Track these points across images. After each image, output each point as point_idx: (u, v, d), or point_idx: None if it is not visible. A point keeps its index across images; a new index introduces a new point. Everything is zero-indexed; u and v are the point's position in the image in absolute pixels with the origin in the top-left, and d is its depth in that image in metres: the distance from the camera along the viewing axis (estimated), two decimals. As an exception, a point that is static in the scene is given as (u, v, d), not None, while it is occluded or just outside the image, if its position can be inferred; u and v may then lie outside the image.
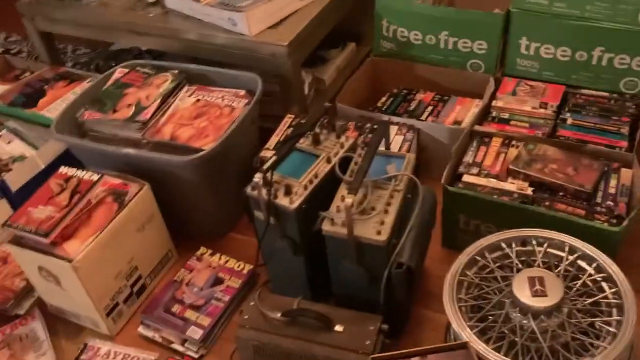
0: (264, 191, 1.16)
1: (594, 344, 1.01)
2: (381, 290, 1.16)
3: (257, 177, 1.15)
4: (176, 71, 1.65)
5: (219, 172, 1.43)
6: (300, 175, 1.21)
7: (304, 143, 1.28)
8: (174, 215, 1.50)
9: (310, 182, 1.19)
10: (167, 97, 1.59)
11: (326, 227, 1.14)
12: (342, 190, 1.19)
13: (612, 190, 1.31)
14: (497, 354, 1.00)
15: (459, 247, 1.23)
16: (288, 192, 1.17)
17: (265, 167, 1.17)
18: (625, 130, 1.46)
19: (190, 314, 1.35)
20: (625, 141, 1.43)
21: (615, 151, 1.40)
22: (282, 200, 1.17)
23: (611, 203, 1.29)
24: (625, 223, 1.21)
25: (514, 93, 1.60)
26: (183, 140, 1.47)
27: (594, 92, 1.58)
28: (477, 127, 1.52)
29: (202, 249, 1.51)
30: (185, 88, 1.62)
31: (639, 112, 1.51)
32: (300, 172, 1.21)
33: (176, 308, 1.37)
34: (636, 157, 1.35)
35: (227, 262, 1.48)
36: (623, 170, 1.35)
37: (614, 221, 1.25)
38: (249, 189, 1.20)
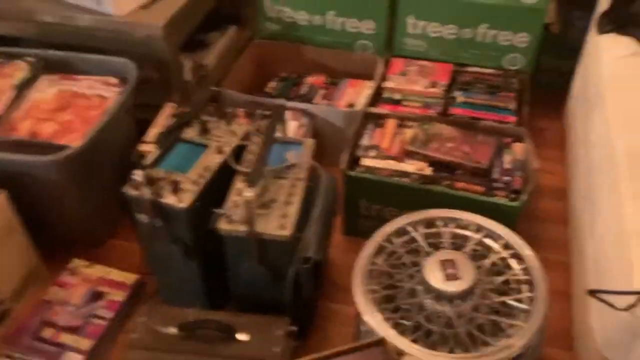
0: (146, 190, 1.01)
1: (507, 323, 0.99)
2: (287, 288, 1.07)
3: (138, 175, 1.00)
4: (32, 58, 1.42)
5: (91, 171, 1.25)
6: (188, 169, 1.07)
7: (190, 133, 1.15)
8: (40, 225, 1.29)
9: (201, 176, 1.06)
10: (22, 89, 1.36)
11: (223, 225, 1.02)
12: (239, 183, 1.07)
13: (507, 166, 1.31)
14: (417, 346, 0.95)
15: (361, 234, 1.17)
16: (175, 189, 1.03)
17: (146, 162, 1.02)
18: (512, 105, 1.48)
19: (66, 338, 1.17)
20: (513, 116, 1.45)
21: (507, 126, 1.40)
22: (169, 199, 1.03)
23: (508, 178, 1.29)
24: (523, 197, 1.21)
25: (404, 73, 1.56)
26: (45, 137, 1.26)
27: (480, 70, 1.59)
28: (370, 109, 1.46)
29: (76, 261, 1.32)
30: (44, 77, 1.40)
31: (522, 87, 1.54)
32: (188, 165, 1.08)
33: (48, 333, 1.18)
34: (526, 130, 1.36)
35: (107, 273, 1.30)
36: (516, 144, 1.36)
37: (513, 196, 1.25)
38: (128, 189, 1.04)
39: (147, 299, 1.26)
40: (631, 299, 0.79)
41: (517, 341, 0.94)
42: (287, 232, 1.00)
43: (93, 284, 1.28)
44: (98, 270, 1.30)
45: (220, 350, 0.99)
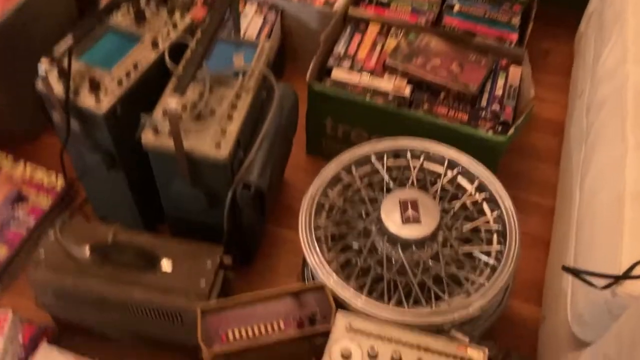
0: (57, 86, 0.84)
1: (469, 278, 0.86)
2: (224, 216, 0.93)
3: (46, 65, 0.82)
4: None
5: (13, 54, 1.07)
6: (112, 64, 0.89)
7: (121, 20, 0.95)
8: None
9: (128, 75, 0.89)
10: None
11: (147, 138, 0.85)
12: (171, 87, 0.89)
13: (499, 92, 1.14)
14: (359, 294, 0.82)
15: (325, 155, 1.02)
16: (95, 87, 0.86)
17: (59, 50, 0.84)
18: (516, 20, 1.27)
19: (-21, 244, 1.04)
20: (515, 33, 1.24)
21: (505, 46, 1.21)
22: (86, 100, 0.86)
23: (497, 107, 1.11)
24: (511, 132, 1.05)
25: (397, -30, 1.34)
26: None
27: (485, -26, 1.36)
28: (351, 11, 1.25)
29: (0, 155, 1.17)
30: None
31: (531, 1, 1.32)
32: (114, 60, 0.90)
33: (-41, 237, 1.05)
34: (527, 52, 1.17)
35: (34, 174, 1.15)
36: (512, 68, 1.17)
37: (499, 129, 1.08)
38: (38, 83, 0.86)
39: (74, 209, 1.12)
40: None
41: (476, 301, 0.81)
42: (223, 152, 0.84)
43: (17, 184, 1.13)
44: (24, 169, 1.15)
45: (137, 278, 0.87)
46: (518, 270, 0.89)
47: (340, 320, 0.71)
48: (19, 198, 1.12)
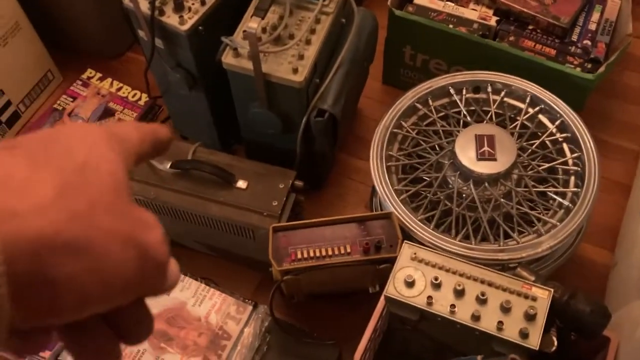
0: (144, 4, 0.86)
1: (541, 219, 0.85)
2: (298, 141, 0.94)
3: (134, -16, 0.84)
4: None
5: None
6: (197, -16, 0.90)
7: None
8: (51, 27, 1.18)
9: (211, -6, 0.89)
10: None
11: (228, 59, 0.87)
12: (252, 10, 0.90)
13: (592, 27, 1.07)
14: (425, 226, 0.83)
15: (401, 86, 1.01)
16: (180, 6, 0.88)
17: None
18: (621, -52, 1.17)
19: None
20: (618, -37, 1.15)
21: (606, -24, 1.12)
22: (171, 18, 0.88)
23: (589, 42, 1.05)
24: (601, 70, 0.99)
25: None
26: None
27: None
28: None
29: (90, 71, 1.23)
30: None
31: None
32: (198, -20, 0.90)
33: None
34: (629, -16, 1.08)
35: (120, 89, 1.20)
36: (610, 0, 1.09)
37: (589, 66, 1.02)
38: (125, 0, 0.89)
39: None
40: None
41: (546, 241, 0.81)
42: (300, 77, 0.85)
43: (105, 99, 1.19)
44: (111, 85, 1.21)
45: (213, 195, 0.91)
46: (594, 214, 0.87)
47: (406, 250, 0.72)
48: (107, 112, 1.18)
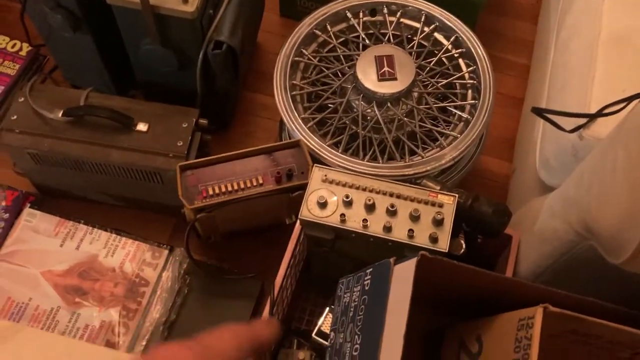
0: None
1: (443, 133, 0.88)
2: (197, 76, 0.91)
3: None
4: None
5: None
6: None
7: None
8: None
9: None
10: None
11: (111, -8, 0.81)
12: (131, -63, 0.84)
13: (479, -55, 1.09)
14: (334, 150, 0.84)
15: (300, 17, 0.98)
16: (50, -61, 0.80)
17: None
18: None
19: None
20: None
21: None
22: (42, -48, 0.80)
23: (477, -39, 1.07)
24: (490, -14, 1.02)
25: None
26: None
27: None
28: None
29: (-42, 23, 1.11)
30: None
31: None
32: None
33: None
34: None
35: (-3, 41, 1.11)
36: None
37: (478, -16, 1.05)
38: None
39: (44, 75, 1.09)
40: (580, 120, 0.67)
41: (449, 153, 0.84)
42: (190, 7, 0.81)
43: (-20, 53, 1.09)
44: (-15, 38, 1.11)
45: (113, 140, 0.87)
46: (491, 127, 0.91)
47: (317, 173, 0.73)
48: (-17, 66, 1.08)
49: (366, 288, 0.56)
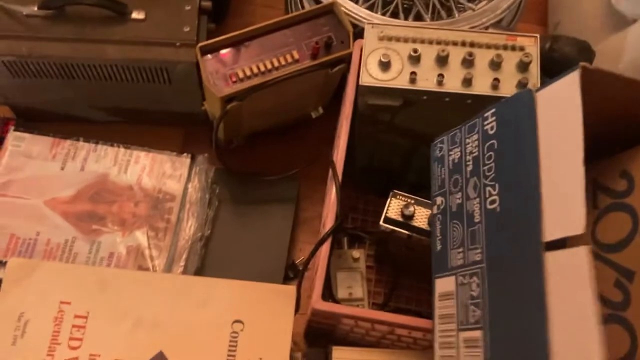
0: None
1: (489, -17, 0.76)
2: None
3: None
4: None
5: None
6: None
7: None
8: None
9: None
10: None
11: None
12: None
13: None
14: (374, 13, 0.72)
15: None
16: None
17: None
18: None
19: None
20: None
21: None
22: None
23: None
24: None
25: None
26: None
27: None
28: None
29: None
30: None
31: None
32: None
33: None
34: None
35: None
36: None
37: None
38: None
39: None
40: None
41: (501, 2, 0.73)
42: None
43: None
44: None
45: (106, 34, 0.72)
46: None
47: (371, 31, 0.61)
48: None
49: (491, 132, 0.46)
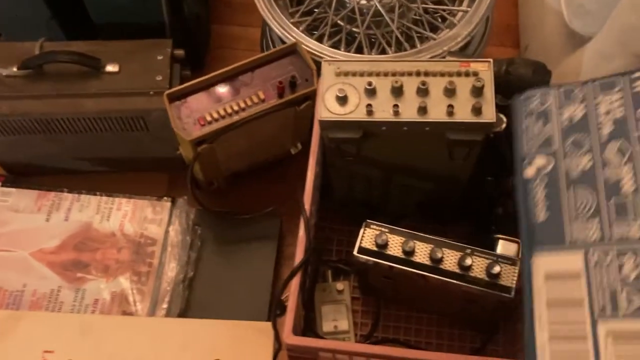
0: None
1: (450, 10, 0.78)
2: (163, 5, 0.80)
3: None
4: None
5: None
6: None
7: None
8: None
9: None
10: None
11: None
12: None
13: None
14: (337, 50, 0.74)
15: None
16: None
17: None
18: None
19: None
20: None
21: None
22: None
23: None
24: None
25: None
26: None
27: None
28: None
29: None
30: None
31: None
32: None
33: None
34: None
35: None
36: None
37: None
38: None
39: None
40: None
41: (463, 28, 0.75)
42: None
43: None
44: None
45: (82, 88, 0.75)
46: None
47: (327, 68, 0.63)
48: None
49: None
